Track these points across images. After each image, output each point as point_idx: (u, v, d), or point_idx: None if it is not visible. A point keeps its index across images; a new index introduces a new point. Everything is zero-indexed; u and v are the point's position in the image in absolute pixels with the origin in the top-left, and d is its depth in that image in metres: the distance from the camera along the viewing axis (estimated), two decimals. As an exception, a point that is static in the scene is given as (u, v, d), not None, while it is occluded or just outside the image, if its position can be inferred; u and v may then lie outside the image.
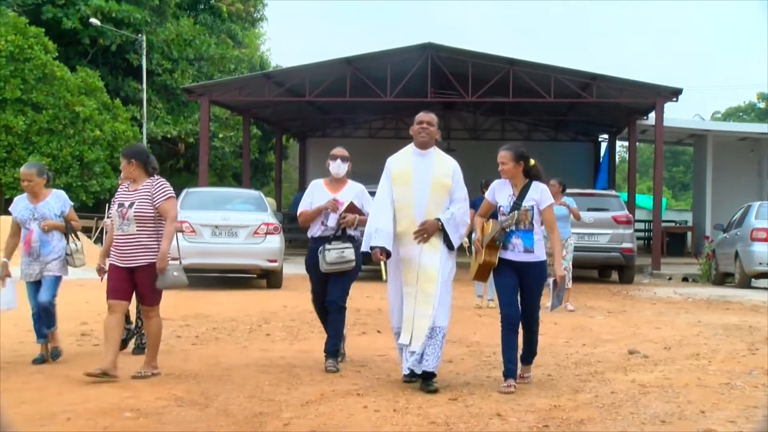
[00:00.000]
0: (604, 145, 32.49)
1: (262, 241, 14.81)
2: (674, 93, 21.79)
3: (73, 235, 7.88)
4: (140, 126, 32.09)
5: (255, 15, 45.23)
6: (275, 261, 14.80)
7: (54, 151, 28.46)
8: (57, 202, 7.81)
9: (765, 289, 16.74)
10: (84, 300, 12.60)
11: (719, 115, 66.31)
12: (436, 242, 6.59)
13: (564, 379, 7.05)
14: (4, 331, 8.56)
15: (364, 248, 6.79)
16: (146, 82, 32.83)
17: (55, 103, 28.59)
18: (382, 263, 6.86)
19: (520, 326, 6.64)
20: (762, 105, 68.00)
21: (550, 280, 6.82)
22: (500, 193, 6.73)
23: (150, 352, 7.06)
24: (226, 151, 35.91)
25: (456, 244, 6.66)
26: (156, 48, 35.11)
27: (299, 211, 7.61)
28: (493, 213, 6.86)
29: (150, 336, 7.09)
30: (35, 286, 7.70)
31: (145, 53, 32.70)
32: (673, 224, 32.49)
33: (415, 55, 22.14)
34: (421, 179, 6.61)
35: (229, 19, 41.47)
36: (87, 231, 25.67)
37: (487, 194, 6.86)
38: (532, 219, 6.49)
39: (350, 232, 7.43)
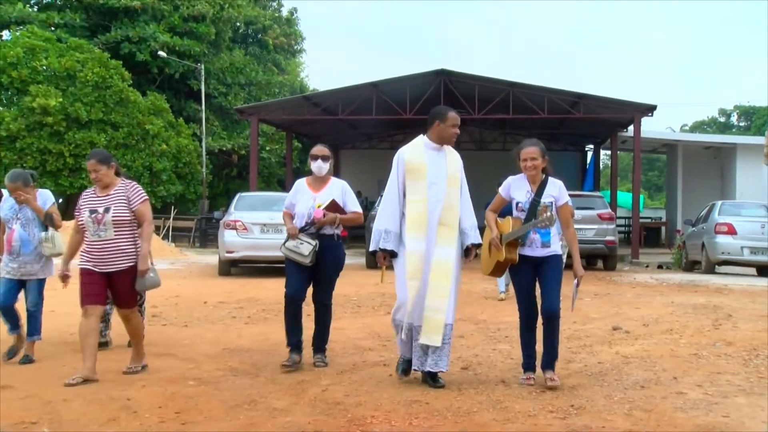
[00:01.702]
0: (590, 154, 32.30)
1: (303, 237, 14.76)
2: (650, 109, 21.60)
3: (51, 226, 6.74)
4: (200, 141, 32.19)
5: (296, 47, 45.20)
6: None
7: (128, 162, 28.67)
8: (40, 200, 6.77)
9: (727, 274, 16.61)
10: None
11: (687, 128, 65.86)
12: (451, 237, 5.67)
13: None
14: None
15: (372, 248, 5.85)
16: (204, 103, 32.94)
17: (130, 122, 28.79)
18: (383, 267, 5.87)
19: (540, 322, 5.74)
20: (722, 119, 67.50)
21: (574, 281, 5.82)
22: (517, 189, 5.80)
23: (137, 347, 6.21)
24: (272, 162, 35.97)
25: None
26: (213, 75, 35.26)
27: (284, 210, 6.65)
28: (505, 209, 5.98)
29: (134, 335, 6.17)
30: (14, 283, 6.69)
31: (203, 79, 32.84)
32: (649, 220, 32.23)
33: (430, 79, 22.09)
34: (437, 174, 5.68)
35: (274, 51, 41.53)
36: (155, 229, 25.81)
37: (501, 189, 5.89)
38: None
39: (327, 230, 6.37)
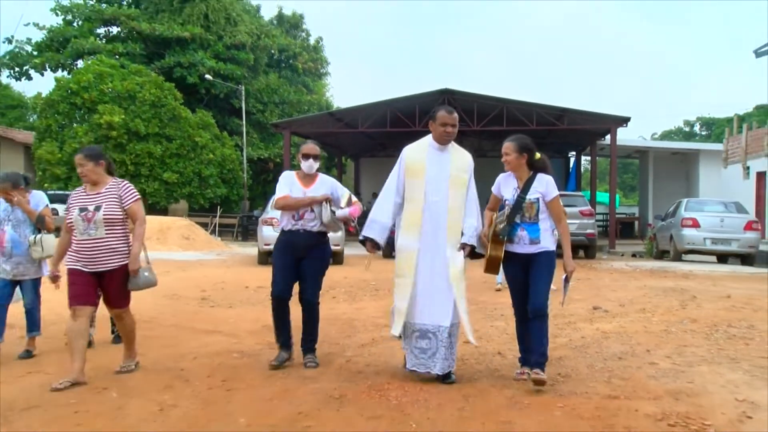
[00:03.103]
0: (572, 160, 32.13)
1: (329, 231, 14.71)
2: (624, 120, 21.45)
3: (43, 229, 5.96)
4: (241, 150, 32.32)
5: (322, 71, 45.29)
6: (338, 245, 14.81)
7: (180, 169, 28.85)
8: (32, 202, 6.01)
9: (692, 261, 16.49)
10: (203, 274, 12.74)
11: (657, 136, 65.41)
12: (455, 239, 4.85)
13: (546, 328, 6.98)
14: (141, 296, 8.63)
15: (360, 237, 5.03)
16: (245, 119, 33.06)
17: (181, 135, 28.96)
18: (370, 255, 5.17)
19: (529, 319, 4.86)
20: (687, 129, 67.04)
21: (563, 276, 4.93)
22: (505, 186, 4.99)
23: (129, 346, 5.31)
24: (302, 168, 36.05)
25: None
26: (252, 95, 35.37)
27: (280, 195, 5.44)
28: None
29: (126, 334, 5.26)
30: (7, 283, 5.93)
31: (244, 99, 32.96)
32: (624, 216, 32.05)
33: (435, 97, 22.03)
34: (437, 174, 4.90)
35: (303, 74, 41.63)
36: (204, 226, 25.95)
37: (494, 188, 5.09)
38: (537, 211, 4.80)
39: (316, 227, 5.47)
